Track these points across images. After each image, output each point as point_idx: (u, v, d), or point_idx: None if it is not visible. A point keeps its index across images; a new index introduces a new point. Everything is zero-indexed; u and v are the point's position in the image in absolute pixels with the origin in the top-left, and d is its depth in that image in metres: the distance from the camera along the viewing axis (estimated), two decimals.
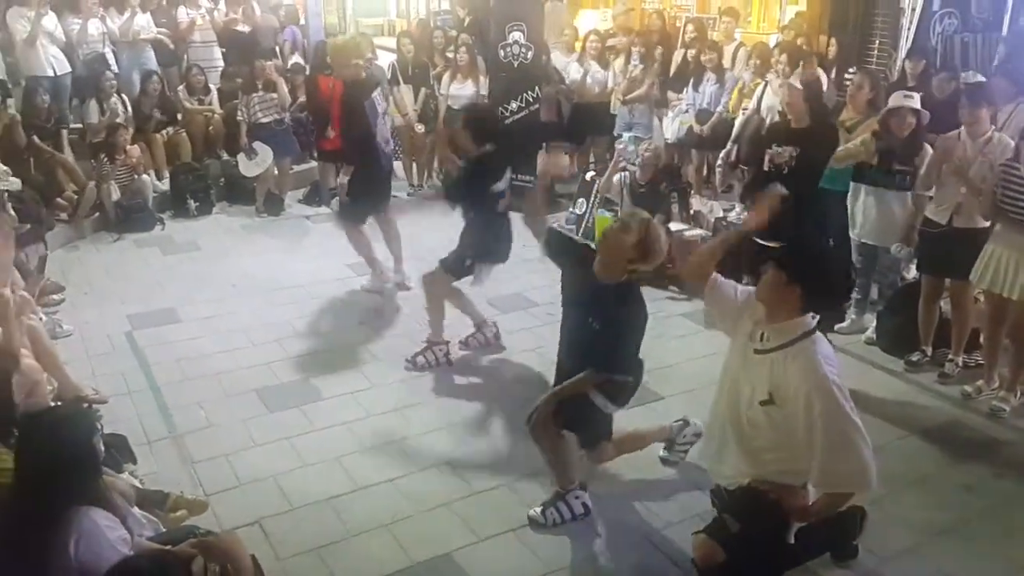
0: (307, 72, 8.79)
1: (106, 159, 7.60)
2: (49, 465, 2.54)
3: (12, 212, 5.86)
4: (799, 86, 5.43)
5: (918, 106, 4.98)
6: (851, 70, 7.07)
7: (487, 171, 4.93)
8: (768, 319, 3.02)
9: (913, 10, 7.72)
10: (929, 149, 4.97)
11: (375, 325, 5.79)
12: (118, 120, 7.96)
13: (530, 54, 8.28)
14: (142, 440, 4.27)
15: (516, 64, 8.28)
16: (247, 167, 8.18)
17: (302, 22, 11.01)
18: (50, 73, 8.19)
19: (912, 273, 5.56)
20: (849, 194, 5.37)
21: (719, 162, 7.78)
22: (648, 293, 3.68)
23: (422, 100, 8.63)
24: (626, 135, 7.84)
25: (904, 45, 7.72)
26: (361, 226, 6.27)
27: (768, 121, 6.88)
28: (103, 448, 2.89)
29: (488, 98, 8.22)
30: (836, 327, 5.35)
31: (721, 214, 6.88)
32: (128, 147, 7.75)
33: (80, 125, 8.25)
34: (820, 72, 7.19)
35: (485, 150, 4.95)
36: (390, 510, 3.82)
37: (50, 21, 8.15)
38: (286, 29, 10.37)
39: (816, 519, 3.10)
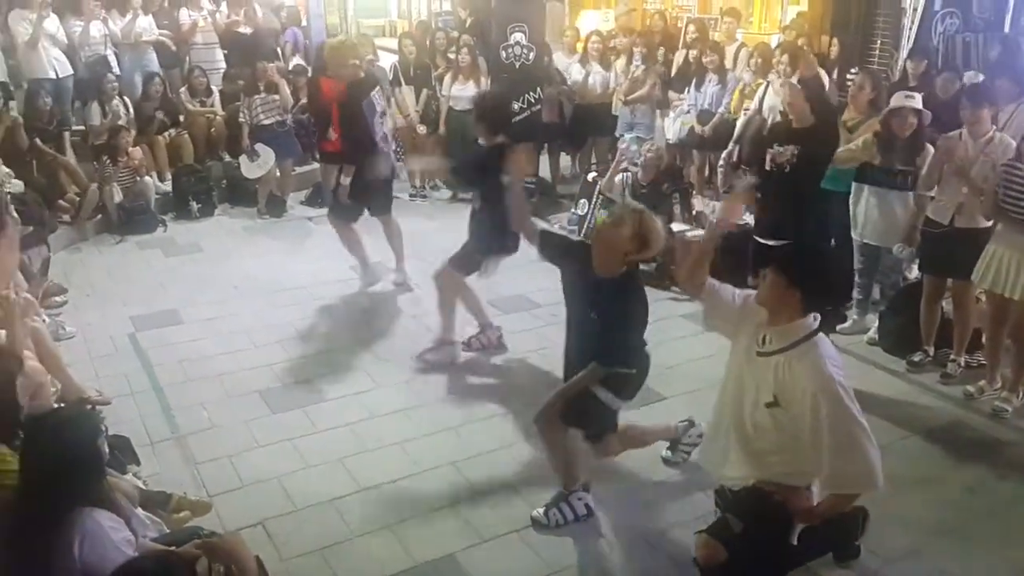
0: (309, 74, 8.80)
1: (108, 161, 7.61)
2: (53, 467, 2.54)
3: (15, 214, 5.85)
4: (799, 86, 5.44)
5: (919, 106, 4.98)
6: (853, 70, 7.06)
7: (499, 161, 4.89)
8: (770, 322, 3.02)
9: (915, 10, 7.70)
10: (931, 149, 4.97)
11: (377, 326, 5.80)
12: (120, 122, 7.97)
13: (532, 55, 8.29)
14: (145, 441, 4.28)
15: (518, 65, 8.30)
16: (249, 169, 8.18)
17: (304, 23, 11.03)
18: (52, 75, 8.19)
19: (914, 273, 5.56)
20: (851, 195, 5.38)
21: (721, 162, 7.77)
22: (650, 294, 3.68)
23: (424, 101, 8.63)
24: (628, 136, 7.81)
25: (906, 45, 7.71)
26: (352, 224, 6.26)
27: (770, 121, 6.88)
28: (107, 449, 2.88)
29: None
30: (838, 327, 5.37)
31: None
32: (130, 149, 7.77)
33: (82, 127, 8.27)
34: (822, 72, 7.19)
35: (498, 141, 4.93)
36: (393, 511, 3.83)
37: (52, 23, 8.16)
38: (288, 31, 10.37)
39: (821, 520, 3.10)
